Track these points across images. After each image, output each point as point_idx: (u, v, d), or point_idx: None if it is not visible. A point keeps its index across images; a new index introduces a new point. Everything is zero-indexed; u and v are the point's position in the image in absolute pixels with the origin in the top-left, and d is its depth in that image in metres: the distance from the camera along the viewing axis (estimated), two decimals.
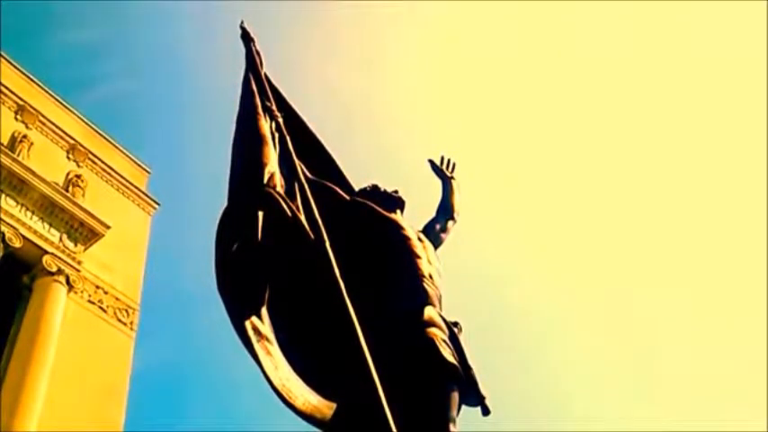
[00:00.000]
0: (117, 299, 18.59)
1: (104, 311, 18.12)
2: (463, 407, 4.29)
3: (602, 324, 37.06)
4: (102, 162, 20.85)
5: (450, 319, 4.56)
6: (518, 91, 41.20)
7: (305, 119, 5.88)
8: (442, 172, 6.10)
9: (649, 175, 38.33)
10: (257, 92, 5.50)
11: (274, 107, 5.44)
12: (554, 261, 38.16)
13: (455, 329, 4.43)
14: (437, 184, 6.16)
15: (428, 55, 43.81)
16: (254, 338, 4.19)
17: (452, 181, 6.01)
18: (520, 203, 40.13)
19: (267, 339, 4.26)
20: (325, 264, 4.21)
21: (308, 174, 5.13)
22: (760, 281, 27.21)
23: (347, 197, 5.22)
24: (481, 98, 41.93)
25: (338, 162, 5.79)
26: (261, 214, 4.63)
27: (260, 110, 5.31)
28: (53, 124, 20.03)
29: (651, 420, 28.49)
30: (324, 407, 4.22)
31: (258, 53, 5.92)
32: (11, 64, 20.04)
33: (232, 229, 4.53)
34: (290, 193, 4.85)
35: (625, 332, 36.51)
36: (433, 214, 5.77)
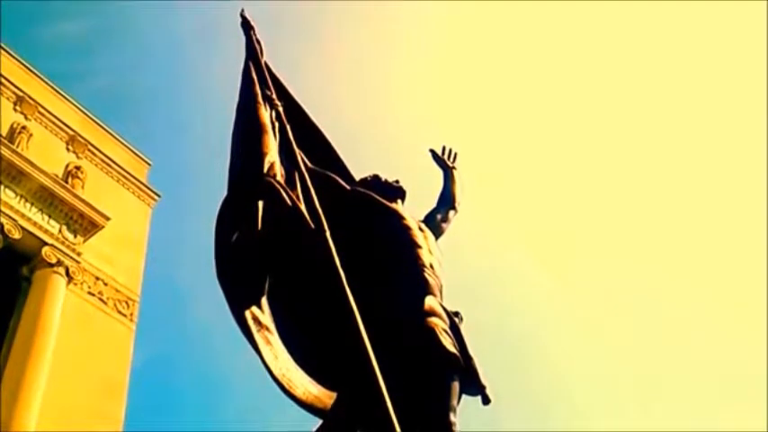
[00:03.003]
0: (117, 290, 18.58)
1: (104, 303, 18.12)
2: (464, 396, 4.27)
3: (603, 322, 37.08)
4: (102, 153, 20.80)
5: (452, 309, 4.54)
6: (521, 88, 41.21)
7: (305, 108, 5.84)
8: (444, 162, 6.06)
9: (652, 173, 38.33)
10: (257, 81, 5.47)
11: (274, 96, 5.41)
12: (556, 258, 38.13)
13: (456, 319, 4.41)
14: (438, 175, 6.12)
15: (430, 53, 43.73)
16: (254, 328, 4.18)
17: (454, 171, 5.97)
18: (521, 201, 40.10)
19: (267, 329, 4.26)
20: (325, 253, 4.19)
21: (308, 163, 5.11)
22: (760, 280, 27.19)
23: (348, 187, 5.20)
24: (484, 94, 41.91)
25: (339, 151, 5.75)
26: (261, 204, 4.62)
27: (260, 99, 5.28)
28: (52, 115, 19.97)
29: (651, 419, 28.52)
30: (324, 396, 4.21)
31: (258, 41, 5.88)
32: (10, 54, 19.97)
33: (232, 219, 4.52)
34: (290, 182, 4.82)
35: (626, 331, 36.51)
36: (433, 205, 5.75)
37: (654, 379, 33.56)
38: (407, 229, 4.86)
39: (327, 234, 4.31)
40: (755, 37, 28.65)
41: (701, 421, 25.51)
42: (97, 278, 18.28)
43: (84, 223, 18.07)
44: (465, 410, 4.17)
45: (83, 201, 18.23)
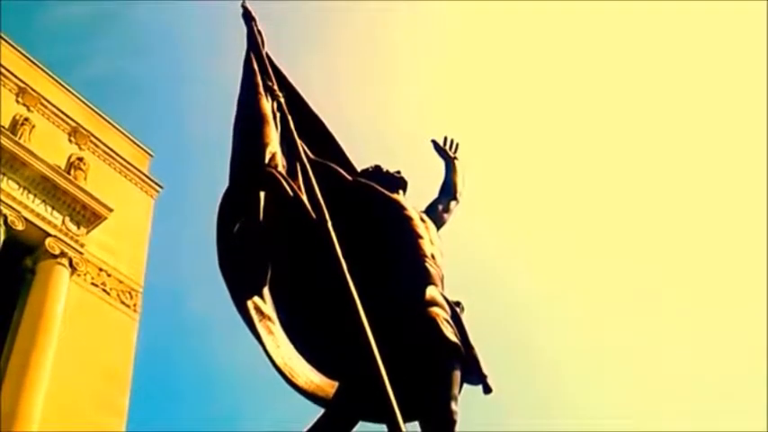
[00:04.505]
0: (120, 281, 18.63)
1: (108, 294, 18.17)
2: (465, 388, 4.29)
3: (602, 321, 37.05)
4: (105, 145, 20.82)
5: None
6: (523, 87, 41.15)
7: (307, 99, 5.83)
8: (445, 152, 6.04)
9: (652, 171, 38.28)
10: (259, 71, 5.47)
11: (276, 87, 5.41)
12: (556, 255, 38.12)
13: (457, 309, 4.43)
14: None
15: (431, 50, 43.64)
16: (256, 318, 4.20)
17: (455, 161, 5.96)
18: (521, 198, 40.06)
19: (269, 318, 4.28)
20: (326, 243, 4.21)
21: (309, 153, 5.11)
22: (760, 280, 27.13)
23: (349, 177, 5.20)
24: (487, 92, 41.83)
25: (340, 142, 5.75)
26: (262, 194, 4.63)
27: (261, 89, 5.28)
28: (54, 107, 19.97)
29: (651, 419, 28.50)
30: (326, 385, 4.24)
31: (260, 32, 5.87)
32: (11, 45, 19.94)
33: (234, 210, 4.53)
34: (291, 172, 4.83)
35: (625, 330, 36.46)
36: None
37: (655, 378, 33.59)
38: (409, 219, 4.87)
39: (329, 224, 4.32)
40: (755, 37, 28.55)
41: (701, 421, 25.50)
42: (100, 269, 18.33)
43: (87, 214, 18.12)
44: (466, 411, 4.18)
45: (86, 192, 18.26)
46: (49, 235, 17.15)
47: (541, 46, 40.11)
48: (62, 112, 20.13)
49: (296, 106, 5.48)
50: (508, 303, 35.49)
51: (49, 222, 17.35)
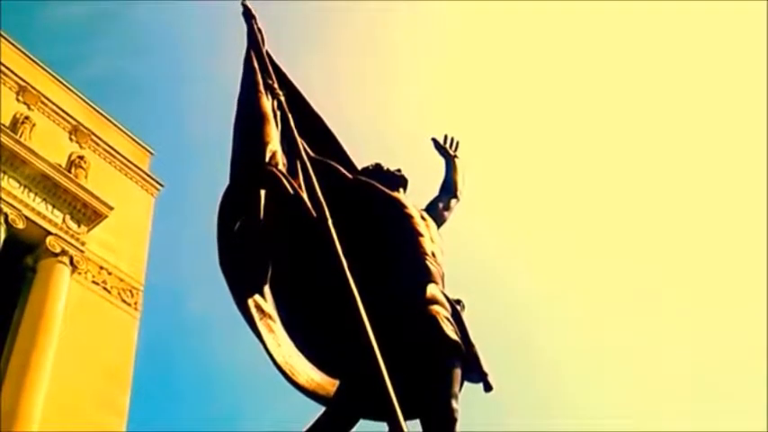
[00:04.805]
0: (121, 279, 18.64)
1: (108, 292, 18.18)
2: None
3: (602, 321, 37.01)
4: (105, 143, 20.82)
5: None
6: (523, 86, 41.15)
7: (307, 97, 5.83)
8: (446, 151, 6.04)
9: (652, 171, 38.27)
10: (259, 70, 5.46)
11: (276, 85, 5.41)
12: (556, 255, 38.07)
13: (458, 307, 4.43)
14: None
15: (431, 51, 43.62)
16: (256, 316, 4.20)
17: (455, 159, 5.96)
18: (521, 198, 40.04)
19: (270, 317, 4.28)
20: (327, 241, 4.21)
21: (310, 152, 5.11)
22: (760, 280, 27.09)
23: (350, 175, 5.20)
24: (487, 92, 41.82)
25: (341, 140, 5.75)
26: (263, 192, 4.63)
27: (261, 88, 5.27)
28: (55, 105, 19.97)
29: (651, 419, 28.46)
30: (327, 383, 4.24)
31: (260, 30, 5.87)
32: (11, 44, 19.94)
33: (234, 208, 4.53)
34: (292, 171, 4.83)
35: (625, 330, 36.42)
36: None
37: (655, 378, 33.53)
38: (409, 217, 4.87)
39: (329, 222, 4.32)
40: (755, 37, 28.51)
41: (701, 421, 25.48)
42: (101, 267, 18.34)
43: (87, 213, 18.12)
44: (466, 409, 4.17)
45: (86, 190, 18.26)
46: (49, 233, 17.15)
47: (541, 46, 40.19)
48: (63, 111, 20.14)
49: (296, 104, 5.48)
50: (508, 303, 35.45)
51: (50, 221, 17.36)
